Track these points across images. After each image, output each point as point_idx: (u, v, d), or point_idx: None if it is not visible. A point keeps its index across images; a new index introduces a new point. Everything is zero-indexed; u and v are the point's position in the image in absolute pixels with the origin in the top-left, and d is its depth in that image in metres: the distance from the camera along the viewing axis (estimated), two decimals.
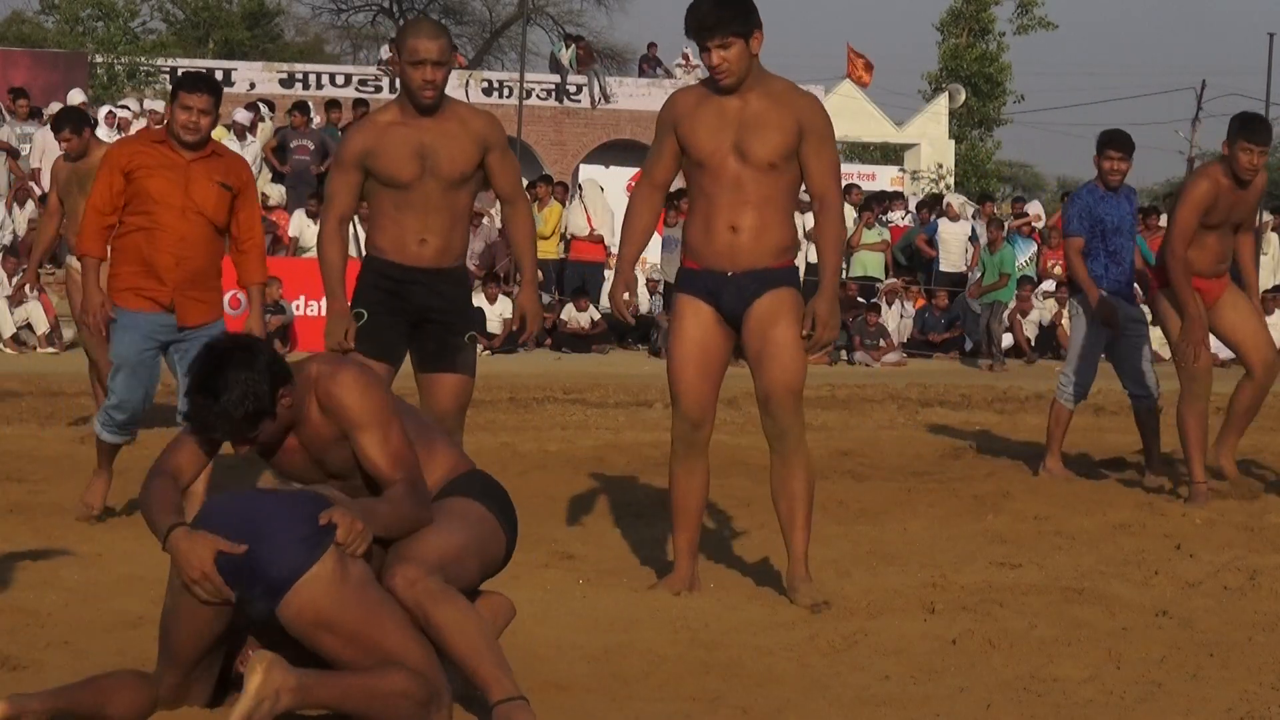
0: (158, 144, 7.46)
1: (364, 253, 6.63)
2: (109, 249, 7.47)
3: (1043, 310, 21.53)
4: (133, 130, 21.56)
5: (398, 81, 6.58)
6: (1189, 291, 8.61)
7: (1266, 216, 23.73)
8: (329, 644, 4.30)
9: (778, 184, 6.10)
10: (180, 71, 7.38)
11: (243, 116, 21.52)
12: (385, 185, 6.42)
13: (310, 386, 4.62)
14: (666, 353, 6.50)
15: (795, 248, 6.27)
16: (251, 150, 20.99)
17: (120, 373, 7.52)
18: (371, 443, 4.57)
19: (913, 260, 22.65)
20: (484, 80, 35.23)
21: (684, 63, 39.98)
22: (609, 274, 21.24)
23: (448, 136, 6.43)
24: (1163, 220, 23.55)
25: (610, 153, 35.42)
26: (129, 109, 23.02)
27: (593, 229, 21.64)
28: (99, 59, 30.60)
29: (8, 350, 17.77)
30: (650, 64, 39.75)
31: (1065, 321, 21.47)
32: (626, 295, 6.45)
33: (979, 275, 20.81)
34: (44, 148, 20.71)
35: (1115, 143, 9.44)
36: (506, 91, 32.46)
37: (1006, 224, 22.22)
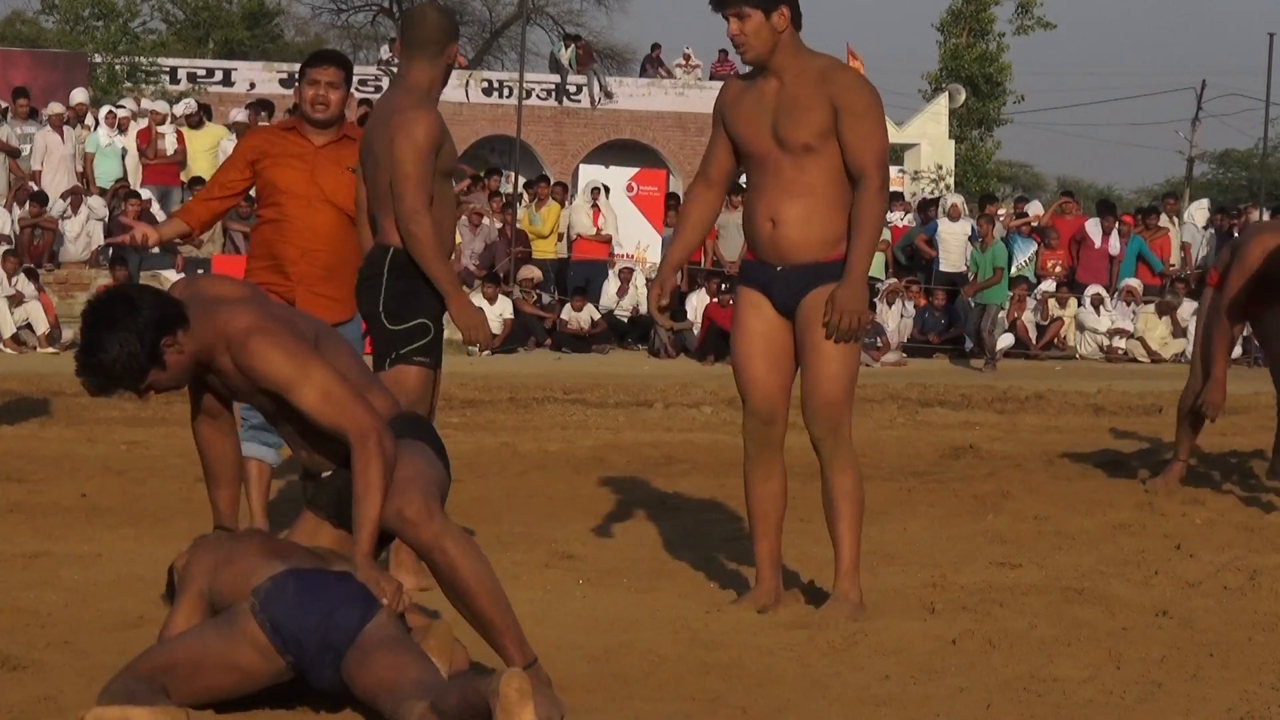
0: (288, 131, 7.09)
1: (390, 246, 6.13)
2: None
3: (1037, 310, 21.53)
4: (132, 130, 21.62)
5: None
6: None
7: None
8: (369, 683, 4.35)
9: (819, 169, 5.80)
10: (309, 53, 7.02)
11: (242, 117, 21.54)
12: (440, 176, 6.09)
13: (222, 341, 4.56)
14: (730, 349, 6.25)
15: (844, 238, 5.86)
16: None
17: None
18: (307, 400, 4.53)
19: (912, 260, 22.65)
20: (484, 80, 35.23)
21: (684, 63, 40.01)
22: (611, 274, 21.24)
23: None
24: (1162, 220, 23.60)
25: (610, 153, 35.41)
26: (128, 109, 23.02)
27: (599, 229, 21.63)
28: (99, 59, 30.58)
29: (8, 350, 17.77)
30: (653, 64, 39.77)
31: (1066, 319, 21.50)
32: (663, 301, 6.23)
33: (973, 274, 20.78)
34: (45, 147, 20.72)
35: None
36: (506, 91, 32.46)
37: (997, 221, 22.19)
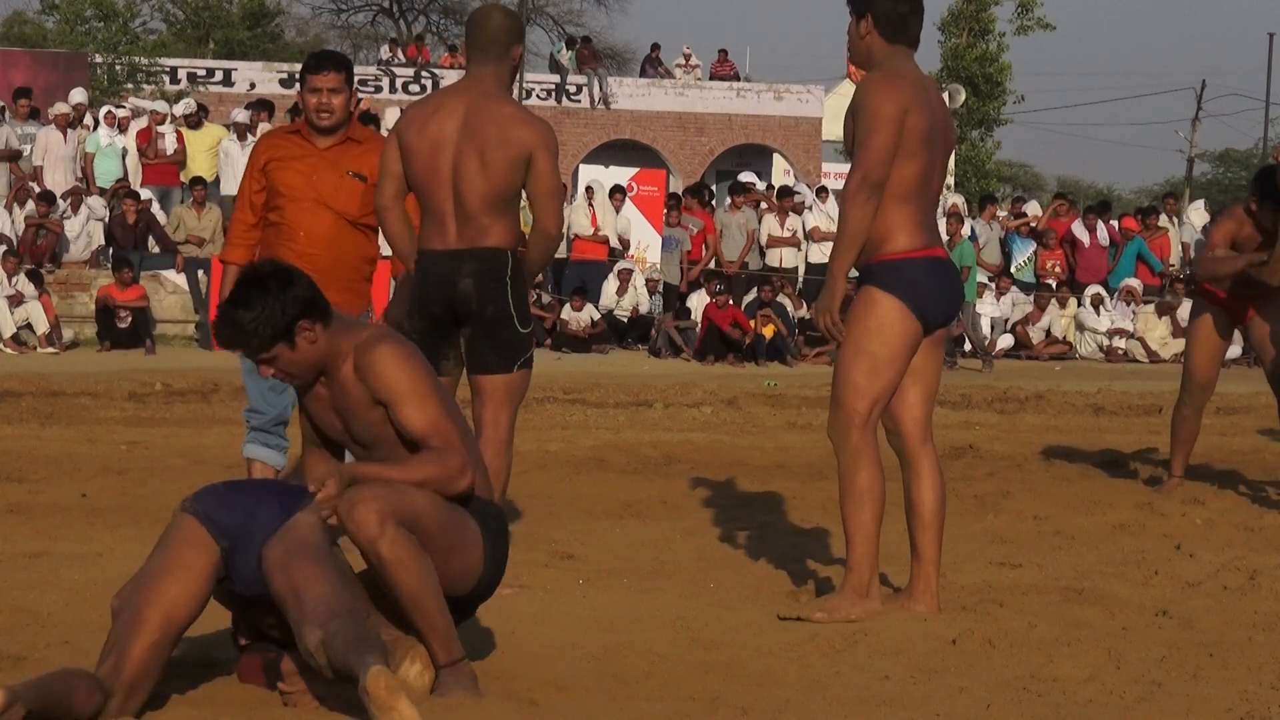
0: (293, 134, 7.11)
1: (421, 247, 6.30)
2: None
3: (1007, 308, 21.51)
4: (132, 130, 21.62)
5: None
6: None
7: None
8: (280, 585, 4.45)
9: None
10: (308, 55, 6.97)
11: (242, 117, 21.52)
12: None
13: (350, 348, 4.72)
14: None
15: (897, 238, 5.81)
16: (251, 150, 20.98)
17: (245, 376, 7.24)
18: (407, 413, 4.67)
19: None
20: None
21: (684, 63, 40.04)
22: (613, 275, 21.21)
23: None
24: (1162, 220, 23.62)
25: (610, 153, 35.43)
26: (128, 109, 23.02)
27: (597, 229, 21.61)
28: (99, 59, 30.60)
29: (8, 350, 17.77)
30: (653, 64, 39.81)
31: (1066, 320, 21.51)
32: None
33: None
34: (45, 147, 20.72)
35: None
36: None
37: (967, 220, 22.20)
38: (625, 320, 20.96)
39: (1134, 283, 21.82)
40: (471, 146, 6.12)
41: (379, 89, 35.04)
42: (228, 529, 4.52)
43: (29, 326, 18.25)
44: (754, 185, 23.49)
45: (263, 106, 22.15)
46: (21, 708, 4.19)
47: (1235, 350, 9.55)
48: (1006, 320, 21.58)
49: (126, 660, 4.46)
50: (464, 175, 6.11)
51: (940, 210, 22.41)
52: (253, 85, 33.69)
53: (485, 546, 4.77)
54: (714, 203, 23.19)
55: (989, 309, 21.24)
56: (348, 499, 4.54)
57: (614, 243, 21.76)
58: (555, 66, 38.59)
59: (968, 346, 20.94)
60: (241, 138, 20.94)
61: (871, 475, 5.89)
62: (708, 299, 19.98)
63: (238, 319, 4.64)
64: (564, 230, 6.35)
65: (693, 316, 20.30)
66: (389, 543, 4.51)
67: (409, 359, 4.73)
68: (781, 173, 34.25)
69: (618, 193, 22.06)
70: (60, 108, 21.16)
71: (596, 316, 20.44)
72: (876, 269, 5.86)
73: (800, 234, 21.50)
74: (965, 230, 22.05)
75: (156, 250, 19.97)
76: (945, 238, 20.23)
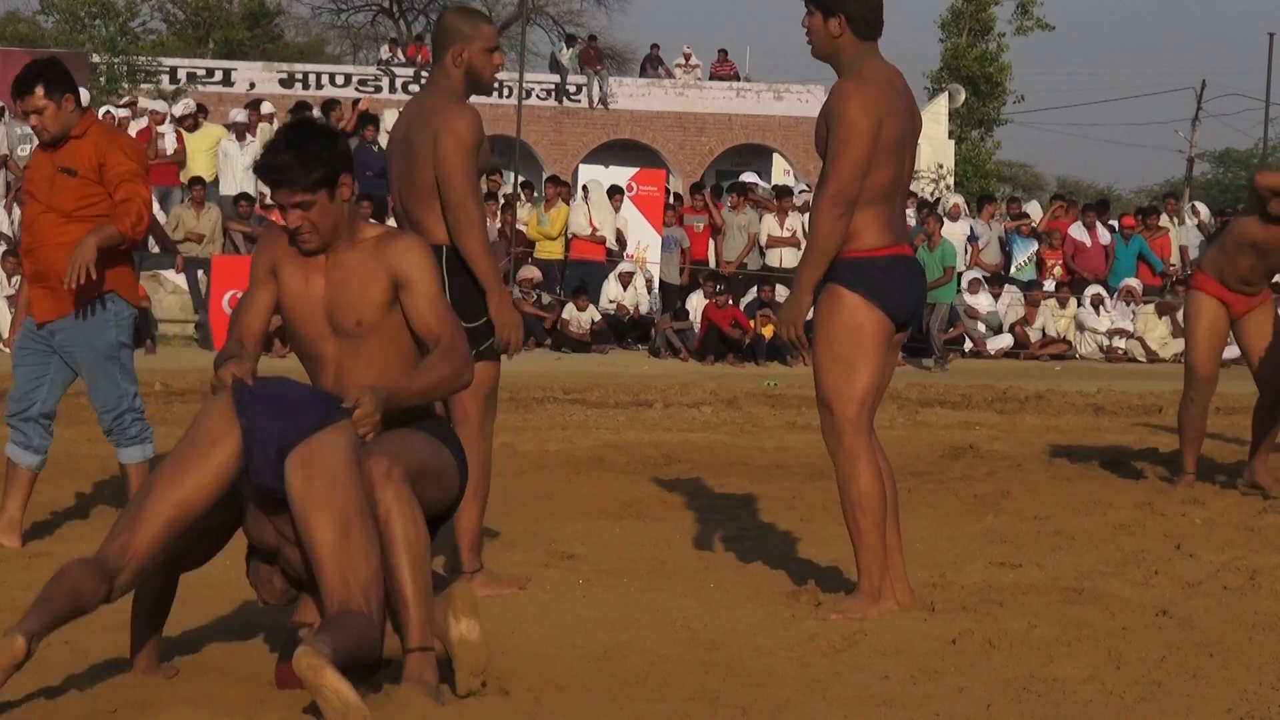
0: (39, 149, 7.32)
1: (445, 245, 6.25)
2: None
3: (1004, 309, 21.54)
4: (131, 130, 21.60)
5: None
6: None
7: None
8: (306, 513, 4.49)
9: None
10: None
11: (241, 117, 21.53)
12: (481, 173, 6.29)
13: (371, 231, 4.84)
14: None
15: (862, 236, 5.82)
16: (251, 150, 20.98)
17: (15, 368, 7.36)
18: (432, 299, 4.78)
19: None
20: None
21: (684, 62, 40.03)
22: (613, 275, 21.21)
23: None
24: (1163, 220, 23.61)
25: (610, 153, 35.42)
26: (127, 108, 23.00)
27: (595, 229, 21.60)
28: (98, 59, 30.59)
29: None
30: (653, 64, 39.81)
31: (1065, 320, 21.51)
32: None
33: None
34: None
35: None
36: (506, 91, 32.45)
37: (967, 221, 22.19)
38: (625, 320, 20.95)
39: (1134, 283, 21.82)
40: (400, 149, 6.21)
41: (379, 89, 35.04)
42: (256, 415, 4.55)
43: None
44: (756, 186, 23.48)
45: (254, 107, 22.20)
46: (38, 641, 4.30)
47: (1234, 351, 9.57)
48: (1001, 322, 21.57)
49: (137, 538, 4.52)
50: (395, 178, 6.23)
51: (941, 210, 22.45)
52: (252, 85, 33.67)
53: (456, 463, 4.87)
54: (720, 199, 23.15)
55: (984, 307, 21.26)
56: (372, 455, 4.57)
57: (611, 243, 21.74)
58: (555, 66, 38.59)
59: (968, 346, 20.95)
60: (240, 138, 20.95)
61: (870, 478, 5.88)
62: (706, 299, 19.97)
63: (300, 149, 4.71)
64: (477, 214, 6.19)
65: (691, 317, 20.29)
66: (401, 506, 4.57)
67: (432, 254, 4.87)
68: (781, 173, 34.18)
69: (616, 193, 22.05)
70: None
71: (597, 317, 20.44)
72: (840, 266, 5.84)
73: (800, 234, 21.49)
74: (965, 230, 22.10)
75: (156, 250, 19.97)
76: (926, 237, 20.28)
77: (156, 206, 20.53)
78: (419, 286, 4.79)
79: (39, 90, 7.04)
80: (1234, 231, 9.11)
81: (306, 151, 4.71)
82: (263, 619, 5.48)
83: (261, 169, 4.80)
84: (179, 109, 22.32)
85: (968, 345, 21.00)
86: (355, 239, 4.84)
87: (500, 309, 6.16)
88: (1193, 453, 9.25)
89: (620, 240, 21.92)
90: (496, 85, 37.28)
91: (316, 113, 21.88)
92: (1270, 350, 9.14)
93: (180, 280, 19.74)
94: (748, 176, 24.37)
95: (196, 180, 20.61)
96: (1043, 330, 21.43)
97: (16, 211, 19.96)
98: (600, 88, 37.92)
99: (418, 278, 4.79)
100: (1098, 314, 21.49)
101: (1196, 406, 9.20)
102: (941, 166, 33.34)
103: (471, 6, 6.57)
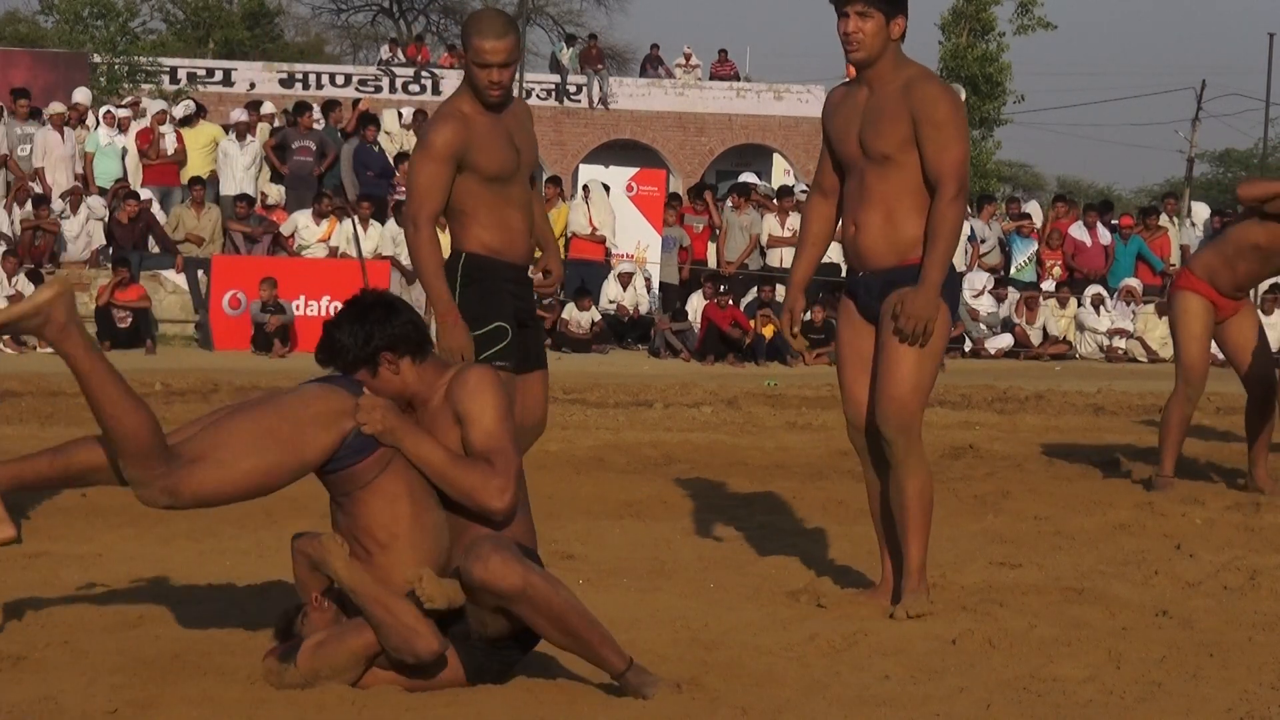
0: None
1: (463, 251, 6.24)
2: None
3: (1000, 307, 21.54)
4: (132, 130, 21.60)
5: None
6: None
7: None
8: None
9: (900, 178, 5.88)
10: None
11: (242, 116, 21.53)
12: (487, 180, 6.15)
13: (443, 381, 4.87)
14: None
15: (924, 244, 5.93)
16: (251, 150, 20.98)
17: None
18: (484, 425, 4.79)
19: None
20: None
21: (684, 63, 40.04)
22: (613, 275, 21.20)
23: (519, 126, 6.29)
24: (1162, 220, 23.60)
25: (610, 153, 35.44)
26: (127, 108, 23.01)
27: (594, 229, 21.58)
28: (98, 59, 30.60)
29: (8, 350, 17.76)
30: (653, 64, 39.82)
31: (1065, 320, 21.51)
32: (795, 329, 6.22)
33: None
34: (45, 147, 20.71)
35: None
36: None
37: (967, 220, 22.21)
38: (625, 320, 20.94)
39: (1134, 283, 21.82)
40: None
41: (379, 89, 35.05)
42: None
43: None
44: (757, 186, 23.47)
45: (254, 107, 22.23)
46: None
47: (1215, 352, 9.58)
48: (998, 321, 21.57)
49: (212, 445, 4.95)
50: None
51: None
52: (252, 85, 33.68)
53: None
54: (720, 201, 23.14)
55: (985, 307, 21.27)
56: (481, 548, 4.72)
57: (610, 243, 21.72)
58: (555, 66, 38.60)
59: (967, 346, 20.95)
60: (240, 137, 20.95)
61: (930, 475, 6.20)
62: (707, 300, 19.97)
63: (330, 340, 4.87)
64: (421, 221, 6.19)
65: (691, 317, 20.28)
66: (546, 584, 4.81)
67: (499, 387, 4.88)
68: (781, 173, 34.24)
69: (586, 190, 22.03)
70: (55, 107, 21.13)
71: (597, 316, 20.44)
72: (909, 272, 5.93)
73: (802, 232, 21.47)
74: (966, 230, 22.08)
75: (156, 250, 19.97)
76: (976, 238, 20.41)
77: (157, 206, 20.55)
78: (479, 424, 4.80)
79: None
80: (1233, 237, 9.09)
81: (340, 340, 4.85)
82: (263, 619, 5.47)
83: (317, 352, 4.98)
84: (179, 110, 22.33)
85: (968, 345, 20.99)
86: (436, 387, 4.88)
87: (444, 332, 6.09)
88: (1174, 454, 9.18)
89: (619, 241, 21.87)
90: None
91: (317, 113, 21.89)
92: (1256, 350, 9.18)
93: (180, 280, 19.73)
94: (747, 176, 24.35)
95: (196, 180, 20.62)
96: (1043, 330, 21.43)
97: (16, 211, 19.97)
98: (600, 88, 37.93)
99: (477, 415, 4.80)
100: (1098, 314, 21.49)
101: (1191, 407, 9.17)
102: None
103: (489, 13, 6.45)
